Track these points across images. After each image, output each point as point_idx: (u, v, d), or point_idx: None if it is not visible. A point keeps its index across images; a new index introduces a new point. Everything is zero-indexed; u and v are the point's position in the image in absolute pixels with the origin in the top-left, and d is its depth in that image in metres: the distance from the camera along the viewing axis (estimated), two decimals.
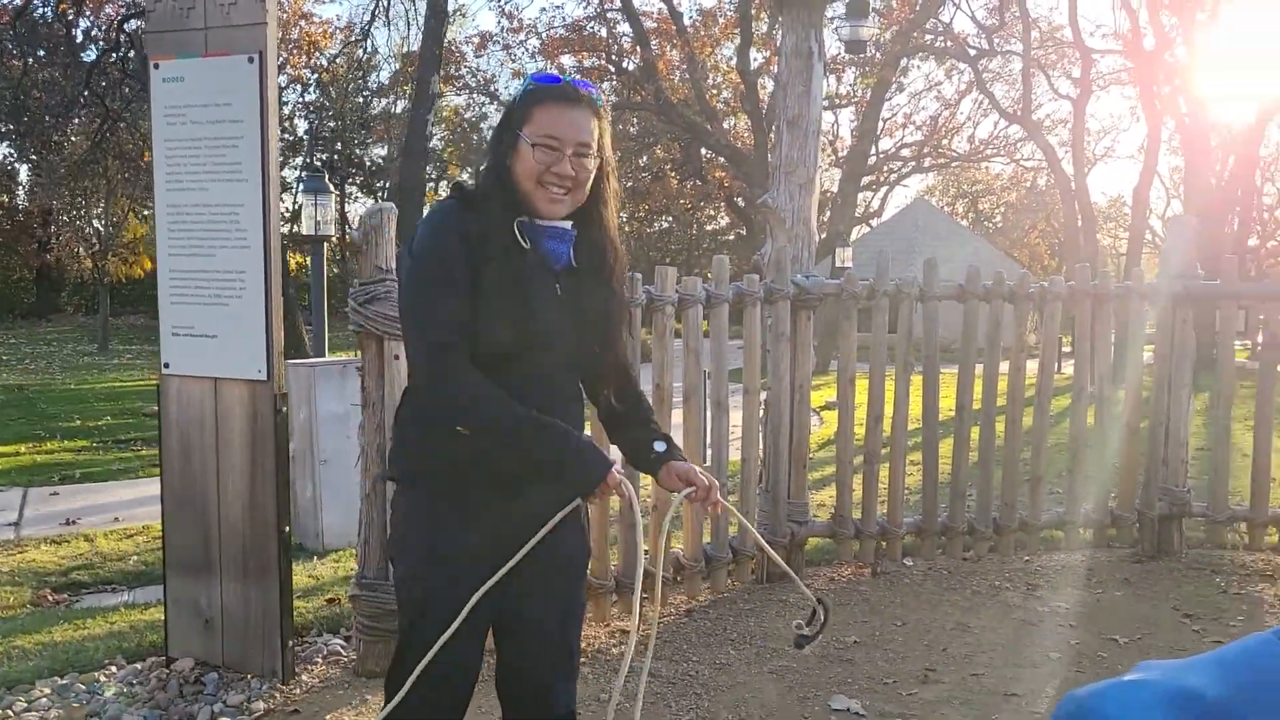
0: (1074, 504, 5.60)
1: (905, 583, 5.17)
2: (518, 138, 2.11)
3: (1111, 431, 5.69)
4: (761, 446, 5.04)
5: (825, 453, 9.02)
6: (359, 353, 3.98)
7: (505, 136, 2.14)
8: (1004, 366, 5.49)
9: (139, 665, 4.02)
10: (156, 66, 3.81)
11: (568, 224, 2.17)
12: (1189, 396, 5.64)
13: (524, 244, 2.11)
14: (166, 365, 3.87)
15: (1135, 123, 41.23)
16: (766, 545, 2.61)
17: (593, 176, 2.17)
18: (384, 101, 36.95)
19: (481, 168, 2.22)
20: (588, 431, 2.48)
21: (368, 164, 40.64)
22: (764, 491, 5.08)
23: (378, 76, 36.14)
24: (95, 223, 32.08)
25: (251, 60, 3.65)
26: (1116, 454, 5.70)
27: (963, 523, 5.43)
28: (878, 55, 25.03)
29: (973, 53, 27.15)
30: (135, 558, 6.11)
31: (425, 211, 2.33)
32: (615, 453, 2.39)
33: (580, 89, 2.14)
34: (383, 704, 2.93)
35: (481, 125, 34.60)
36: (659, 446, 2.27)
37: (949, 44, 27.64)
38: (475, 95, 33.01)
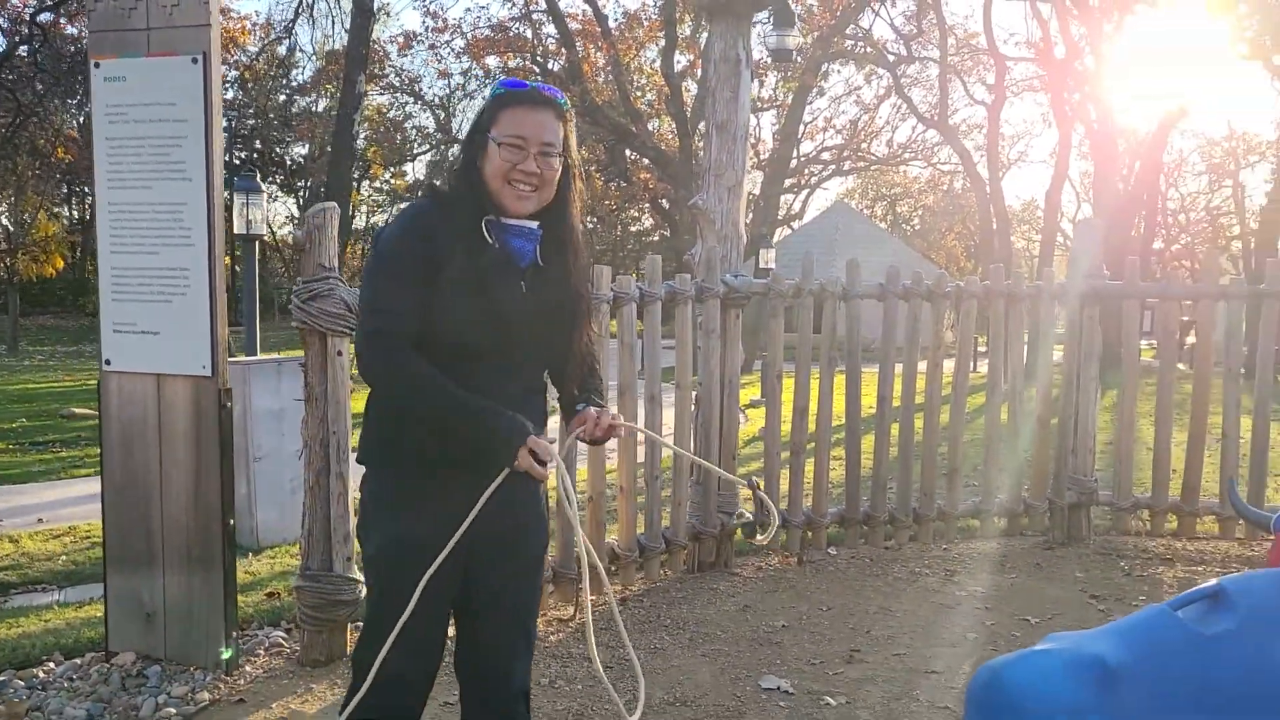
0: (989, 494, 5.87)
1: (830, 570, 5.38)
2: (486, 139, 2.23)
3: (1024, 425, 5.97)
4: (693, 440, 5.20)
5: (750, 449, 9.23)
6: (284, 352, 4.05)
7: (475, 138, 2.26)
8: (922, 365, 5.73)
9: (78, 660, 4.03)
10: (98, 65, 3.84)
11: (534, 224, 2.29)
12: (1096, 391, 5.94)
13: (490, 241, 2.23)
14: (108, 362, 3.90)
15: (1047, 128, 42.33)
16: (678, 449, 2.74)
17: (559, 177, 2.29)
18: (305, 100, 36.50)
19: (453, 170, 2.33)
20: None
21: (288, 162, 40.08)
22: (695, 484, 5.25)
23: (301, 74, 35.74)
24: (3, 219, 31.20)
25: (195, 61, 3.70)
26: (1029, 446, 5.99)
27: (884, 513, 5.66)
28: (799, 60, 25.43)
29: (891, 59, 27.74)
30: (64, 557, 6.05)
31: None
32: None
33: (545, 93, 2.26)
34: (329, 690, 3.00)
35: (406, 125, 34.36)
36: (579, 407, 2.39)
37: (868, 50, 28.19)
38: (399, 95, 32.81)
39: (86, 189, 37.05)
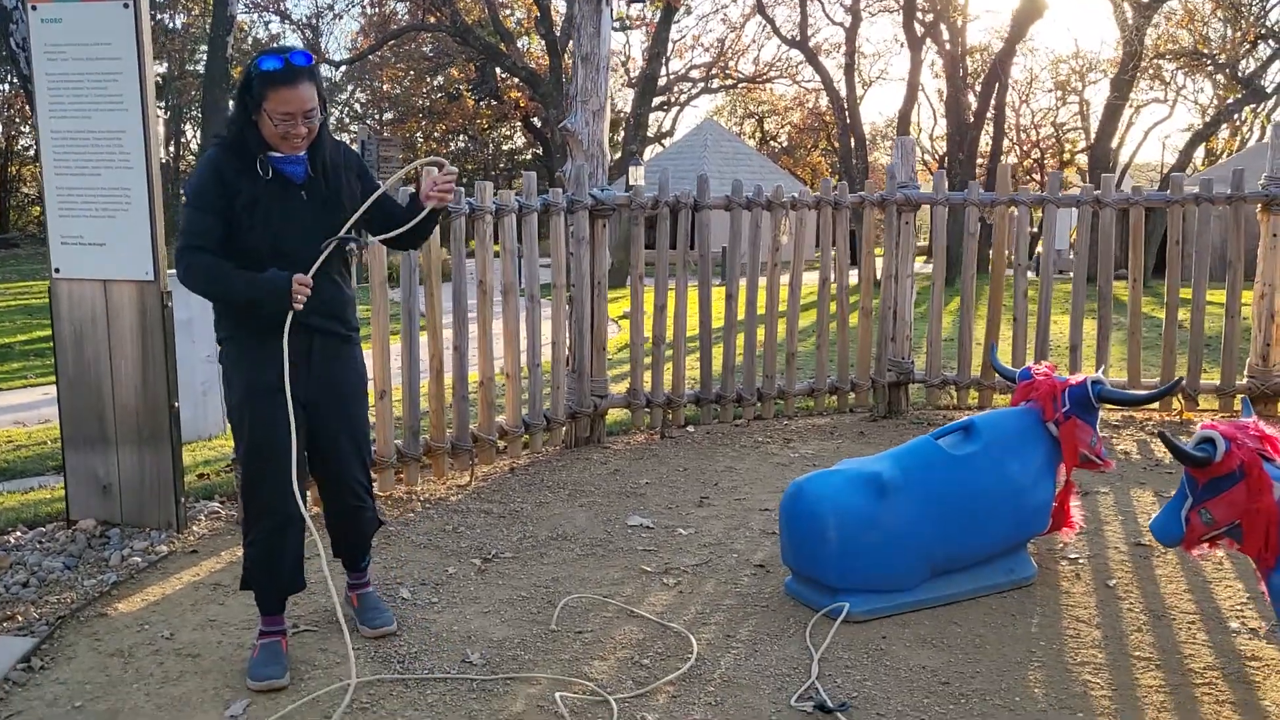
0: (821, 376, 6.85)
1: (687, 443, 6.30)
2: (261, 110, 3.01)
3: (851, 316, 6.96)
4: (568, 333, 6.02)
5: (623, 354, 10.10)
6: None
7: (249, 105, 3.04)
8: (765, 268, 6.64)
9: (43, 529, 4.68)
10: (34, 8, 4.37)
11: (299, 153, 3.11)
12: (911, 286, 6.96)
13: (264, 174, 3.07)
14: (57, 270, 4.50)
15: (902, 48, 43.74)
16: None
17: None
18: (161, 16, 35.38)
19: (233, 124, 3.11)
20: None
21: None
22: (571, 372, 6.08)
23: None
24: None
25: (127, 6, 4.28)
26: (855, 334, 6.98)
27: (733, 393, 6.60)
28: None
29: None
30: None
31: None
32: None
33: (296, 65, 3.01)
34: None
35: (272, 45, 33.66)
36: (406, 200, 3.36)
37: None
38: (264, 13, 32.19)
39: None
